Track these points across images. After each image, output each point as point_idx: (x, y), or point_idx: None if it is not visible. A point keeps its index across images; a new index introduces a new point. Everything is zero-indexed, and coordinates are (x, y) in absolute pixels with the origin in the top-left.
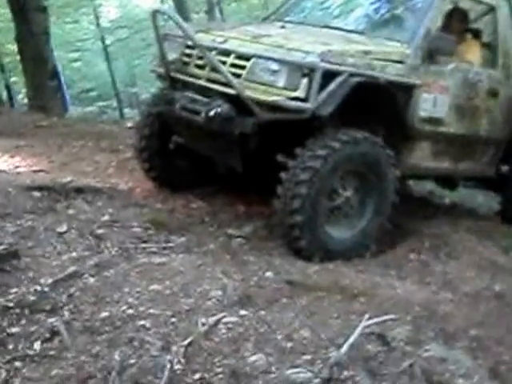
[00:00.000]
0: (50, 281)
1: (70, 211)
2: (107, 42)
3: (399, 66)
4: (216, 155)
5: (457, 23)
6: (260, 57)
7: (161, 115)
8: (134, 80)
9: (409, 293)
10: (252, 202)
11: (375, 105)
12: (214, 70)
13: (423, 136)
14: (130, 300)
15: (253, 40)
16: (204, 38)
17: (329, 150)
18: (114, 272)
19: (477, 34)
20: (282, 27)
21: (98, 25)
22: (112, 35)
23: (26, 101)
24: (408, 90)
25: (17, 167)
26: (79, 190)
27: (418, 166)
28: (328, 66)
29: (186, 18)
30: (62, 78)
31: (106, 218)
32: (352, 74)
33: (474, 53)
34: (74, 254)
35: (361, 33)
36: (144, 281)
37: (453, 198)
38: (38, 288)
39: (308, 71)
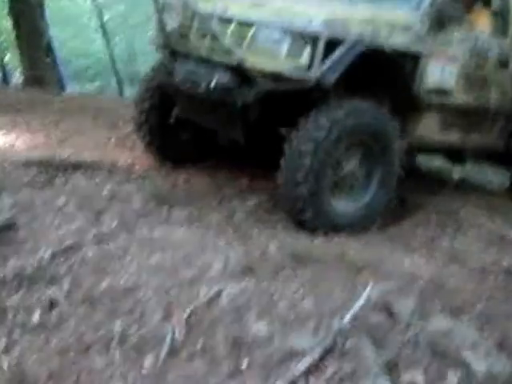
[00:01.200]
0: (48, 252)
1: (69, 186)
2: (105, 17)
3: (405, 33)
4: (217, 127)
5: None
6: (262, 24)
7: (161, 88)
8: (134, 57)
9: (415, 266)
10: (255, 175)
11: (380, 74)
12: (215, 39)
13: (430, 107)
14: (131, 271)
15: (255, 6)
16: (204, 6)
17: (332, 120)
18: (113, 244)
19: (487, 2)
20: None
21: None
22: (109, 10)
23: (20, 80)
24: (415, 59)
25: (12, 144)
26: (77, 165)
27: (424, 139)
28: (332, 33)
29: None
30: (59, 55)
31: (106, 192)
32: (356, 43)
33: (483, 21)
34: (72, 227)
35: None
36: (144, 252)
37: (461, 174)
38: (37, 259)
39: (311, 39)
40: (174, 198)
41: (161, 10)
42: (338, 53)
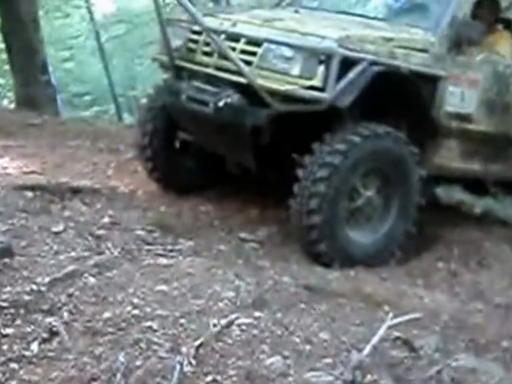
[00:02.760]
0: (46, 280)
1: (66, 212)
2: (102, 39)
3: (423, 55)
4: (226, 151)
5: (487, 12)
6: (272, 42)
7: (165, 108)
8: (133, 82)
9: (437, 303)
10: (266, 204)
11: (397, 97)
12: (223, 56)
13: (450, 133)
14: (135, 301)
15: (264, 24)
16: (211, 22)
17: (348, 144)
18: (116, 272)
19: (508, 25)
20: (296, 12)
21: (91, 19)
22: (107, 32)
23: (12, 101)
24: (433, 81)
25: (6, 168)
26: (75, 191)
27: (444, 167)
28: (347, 52)
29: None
30: (53, 79)
31: (106, 219)
32: (372, 63)
33: (504, 44)
34: (72, 254)
35: (381, 19)
36: (149, 281)
37: (483, 205)
38: (34, 287)
39: (325, 58)
40: (179, 226)
41: (165, 26)
42: (353, 73)
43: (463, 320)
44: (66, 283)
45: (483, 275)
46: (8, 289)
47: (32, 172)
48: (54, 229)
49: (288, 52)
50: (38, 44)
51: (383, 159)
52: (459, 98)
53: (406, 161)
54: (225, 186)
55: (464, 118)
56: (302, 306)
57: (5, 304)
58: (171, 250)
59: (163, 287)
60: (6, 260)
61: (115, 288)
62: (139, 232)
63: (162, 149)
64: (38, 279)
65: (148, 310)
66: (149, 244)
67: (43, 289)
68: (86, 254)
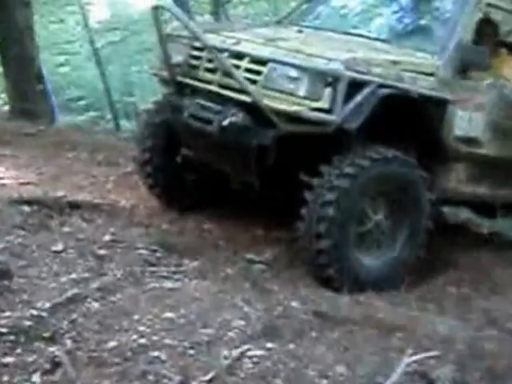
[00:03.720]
0: (47, 305)
1: (66, 229)
2: (97, 44)
3: (430, 78)
4: (230, 170)
5: (488, 36)
6: (278, 62)
7: (165, 124)
8: (129, 88)
9: (450, 329)
10: (271, 224)
11: (406, 121)
12: (227, 74)
13: (459, 157)
14: (142, 328)
15: (269, 43)
16: (214, 40)
17: (357, 168)
18: (120, 297)
19: None
20: (299, 31)
21: (86, 25)
22: (103, 37)
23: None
24: (441, 105)
25: (1, 178)
26: (75, 206)
27: (453, 190)
28: (354, 74)
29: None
30: (49, 84)
31: (107, 237)
32: (380, 85)
33: (509, 68)
34: (73, 276)
35: (385, 41)
36: (156, 307)
37: (492, 228)
38: (35, 312)
39: (332, 80)
40: (182, 246)
41: (164, 41)
42: (361, 95)
43: (478, 348)
44: (69, 308)
45: (496, 301)
46: (7, 313)
47: (28, 183)
48: (54, 248)
49: (294, 73)
50: (34, 52)
51: (392, 183)
52: (467, 121)
53: (416, 185)
54: (227, 204)
55: (472, 141)
56: (314, 334)
57: (4, 330)
58: (175, 272)
59: (170, 314)
60: (5, 282)
61: (120, 314)
62: (142, 251)
63: (162, 165)
64: (39, 304)
65: (155, 338)
66: (152, 265)
67: (44, 314)
68: (88, 275)
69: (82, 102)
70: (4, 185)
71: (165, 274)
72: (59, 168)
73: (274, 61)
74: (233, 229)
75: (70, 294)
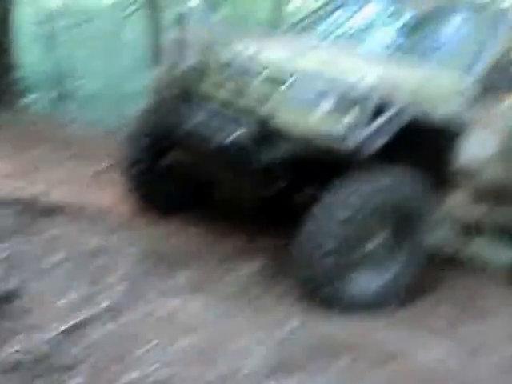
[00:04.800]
0: (61, 328)
1: (53, 232)
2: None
3: (454, 99)
4: (227, 183)
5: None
6: (298, 79)
7: (158, 128)
8: (74, 72)
9: (444, 355)
10: (249, 230)
11: (420, 139)
12: (239, 85)
13: (469, 178)
14: (157, 358)
15: (291, 56)
16: (229, 50)
17: (371, 187)
18: (130, 318)
19: None
20: (317, 43)
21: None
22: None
23: None
24: (460, 127)
25: None
26: (57, 208)
27: (453, 211)
28: (380, 96)
29: None
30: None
31: (95, 242)
32: (403, 108)
33: None
34: (78, 293)
35: (409, 56)
36: (167, 332)
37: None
38: (49, 337)
39: (356, 101)
40: (170, 254)
41: (184, 46)
42: (383, 119)
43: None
44: (82, 332)
45: (486, 323)
46: (22, 337)
47: (5, 177)
48: (52, 257)
49: (317, 92)
50: (8, 41)
51: (402, 203)
52: (482, 143)
53: (424, 206)
54: (208, 206)
55: (483, 163)
56: (321, 361)
57: (20, 357)
58: (171, 286)
59: (183, 342)
60: (15, 303)
61: (134, 340)
62: (131, 258)
63: (149, 167)
64: (53, 326)
65: (174, 370)
66: (148, 276)
67: (60, 338)
68: (93, 291)
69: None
70: None
71: (163, 287)
72: (35, 162)
73: (295, 75)
74: (214, 234)
75: (82, 316)
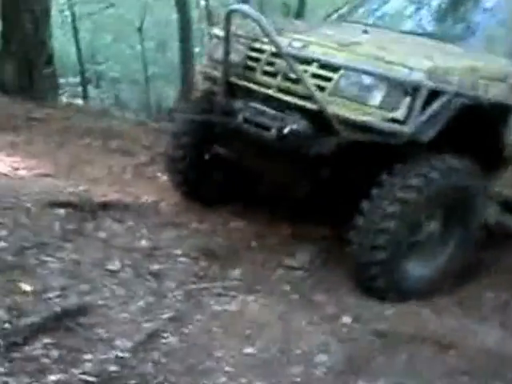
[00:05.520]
0: (128, 344)
1: (101, 234)
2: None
3: (501, 85)
4: (278, 176)
5: None
6: (352, 69)
7: (203, 122)
8: (96, 57)
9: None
10: (296, 221)
11: (470, 127)
12: (288, 78)
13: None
14: (227, 368)
15: (340, 48)
16: (281, 42)
17: (424, 180)
18: (193, 328)
19: None
20: (365, 31)
21: None
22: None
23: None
24: (507, 112)
25: (16, 169)
26: (104, 206)
27: (500, 194)
28: (434, 84)
29: None
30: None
31: (144, 242)
32: (456, 94)
33: None
34: (140, 303)
35: (456, 43)
36: (231, 340)
37: None
38: (118, 354)
39: (411, 90)
40: (219, 250)
41: (230, 41)
42: (437, 105)
43: None
44: (149, 346)
45: None
46: (90, 356)
47: (45, 175)
48: (108, 266)
49: (369, 81)
50: (45, 34)
51: (456, 194)
52: None
53: (477, 194)
54: (250, 199)
55: None
56: (382, 358)
57: (91, 378)
58: (226, 288)
59: (249, 350)
60: (82, 319)
61: (200, 351)
62: (184, 259)
63: (194, 162)
64: (119, 342)
65: (248, 379)
66: (202, 278)
67: (127, 355)
68: (154, 301)
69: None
70: (22, 178)
71: (218, 290)
72: (73, 157)
73: (347, 68)
74: (260, 227)
75: (147, 329)
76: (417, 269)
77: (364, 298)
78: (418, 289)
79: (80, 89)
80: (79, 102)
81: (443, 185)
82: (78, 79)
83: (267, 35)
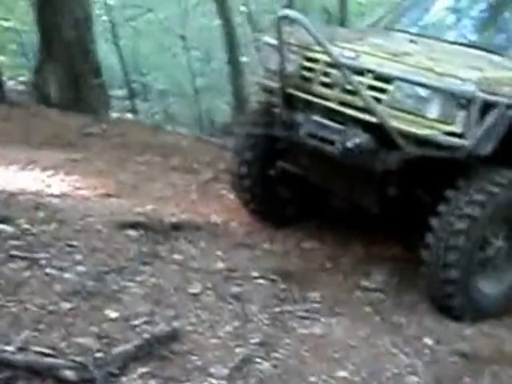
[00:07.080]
0: (224, 371)
1: (177, 256)
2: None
3: None
4: (345, 192)
5: None
6: (407, 80)
7: (265, 136)
8: (142, 67)
9: None
10: (369, 240)
11: None
12: (347, 91)
13: None
14: None
15: (392, 58)
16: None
17: (487, 195)
18: (283, 352)
19: None
20: (412, 41)
21: (105, 3)
22: (117, 13)
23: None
24: None
25: (78, 188)
26: (176, 227)
27: None
28: (487, 96)
29: None
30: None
31: (220, 264)
32: (508, 106)
33: None
34: (228, 328)
35: (499, 52)
36: (322, 363)
37: None
38: (214, 382)
39: (465, 102)
40: (295, 272)
41: (284, 50)
42: (491, 118)
43: None
44: (243, 373)
45: None
46: None
47: (108, 195)
48: (191, 290)
49: (424, 93)
50: (91, 43)
51: None
52: None
53: None
54: (320, 218)
55: None
56: (468, 380)
57: None
58: (308, 310)
59: (342, 373)
60: (174, 346)
61: (294, 376)
62: (262, 282)
63: (259, 179)
64: (213, 369)
65: None
66: (283, 301)
67: (224, 383)
68: (238, 323)
69: None
70: (86, 198)
71: (301, 313)
72: (136, 175)
73: (402, 79)
74: (332, 247)
75: (239, 355)
76: (490, 286)
77: (441, 317)
78: (493, 308)
79: (127, 102)
80: (129, 116)
81: (505, 199)
82: (122, 91)
83: (321, 45)
